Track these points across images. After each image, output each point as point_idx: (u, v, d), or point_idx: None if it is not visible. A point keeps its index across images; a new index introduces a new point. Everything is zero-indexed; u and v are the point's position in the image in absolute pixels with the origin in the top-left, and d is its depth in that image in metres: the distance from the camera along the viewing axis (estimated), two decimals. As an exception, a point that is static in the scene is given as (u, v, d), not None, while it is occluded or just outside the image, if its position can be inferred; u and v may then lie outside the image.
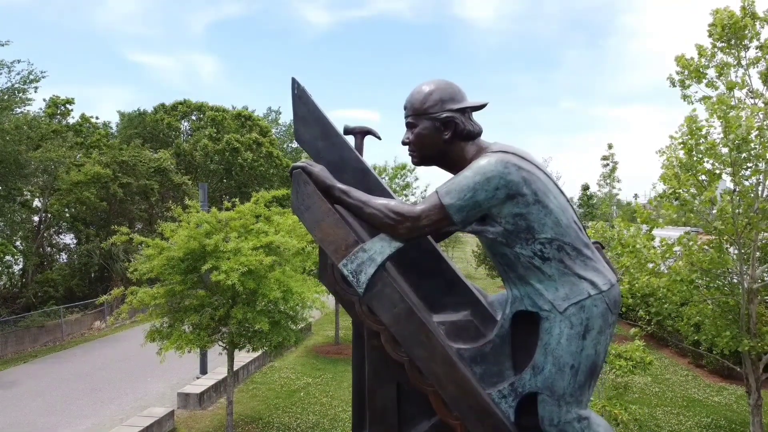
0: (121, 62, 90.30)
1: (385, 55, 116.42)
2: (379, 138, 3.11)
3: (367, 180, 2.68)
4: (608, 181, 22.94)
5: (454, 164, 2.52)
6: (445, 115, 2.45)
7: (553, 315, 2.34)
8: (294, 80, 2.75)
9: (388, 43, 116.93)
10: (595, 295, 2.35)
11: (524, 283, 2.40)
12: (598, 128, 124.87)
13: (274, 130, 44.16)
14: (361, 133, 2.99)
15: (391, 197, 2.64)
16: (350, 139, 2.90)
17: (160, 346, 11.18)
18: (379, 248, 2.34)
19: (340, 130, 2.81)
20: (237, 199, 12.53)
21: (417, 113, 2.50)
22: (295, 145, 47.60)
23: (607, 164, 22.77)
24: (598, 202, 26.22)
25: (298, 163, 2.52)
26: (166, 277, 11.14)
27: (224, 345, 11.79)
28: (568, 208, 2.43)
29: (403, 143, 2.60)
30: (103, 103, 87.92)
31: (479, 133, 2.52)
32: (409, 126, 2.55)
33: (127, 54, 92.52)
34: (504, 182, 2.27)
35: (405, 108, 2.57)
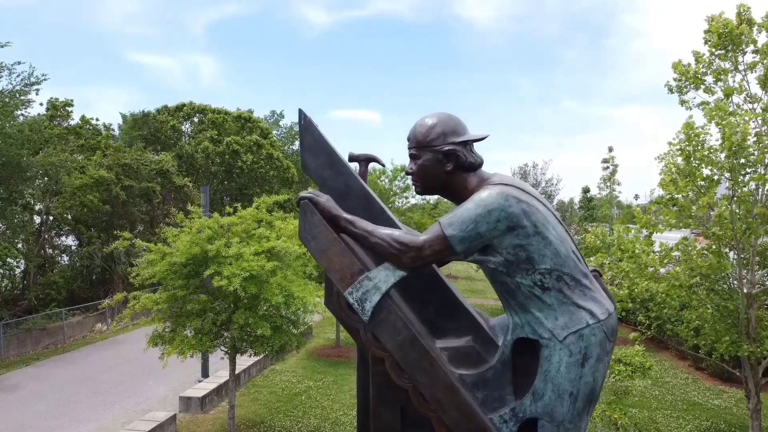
0: (120, 62, 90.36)
1: (385, 55, 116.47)
2: (383, 165, 3.19)
3: (371, 207, 2.75)
4: (608, 184, 23.07)
5: (456, 195, 2.61)
6: (447, 148, 2.53)
7: (553, 343, 2.42)
8: (301, 111, 2.82)
9: (388, 43, 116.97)
10: (594, 324, 2.43)
11: (525, 312, 2.48)
12: (599, 128, 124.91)
13: (275, 132, 44.23)
14: (365, 161, 3.06)
15: (395, 224, 2.72)
16: (355, 165, 2.98)
17: (162, 351, 11.27)
18: (384, 277, 2.41)
19: (345, 158, 2.88)
20: (239, 205, 12.59)
21: (420, 145, 2.58)
22: (295, 147, 47.69)
23: (608, 167, 22.89)
24: (599, 203, 26.31)
25: (305, 194, 2.59)
26: (169, 282, 11.22)
27: (226, 350, 11.87)
28: (567, 238, 2.51)
29: (407, 173, 2.69)
30: (103, 104, 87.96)
31: (480, 164, 2.61)
32: (413, 157, 2.63)
33: (126, 54, 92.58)
34: (505, 214, 2.34)
35: (408, 140, 2.65)
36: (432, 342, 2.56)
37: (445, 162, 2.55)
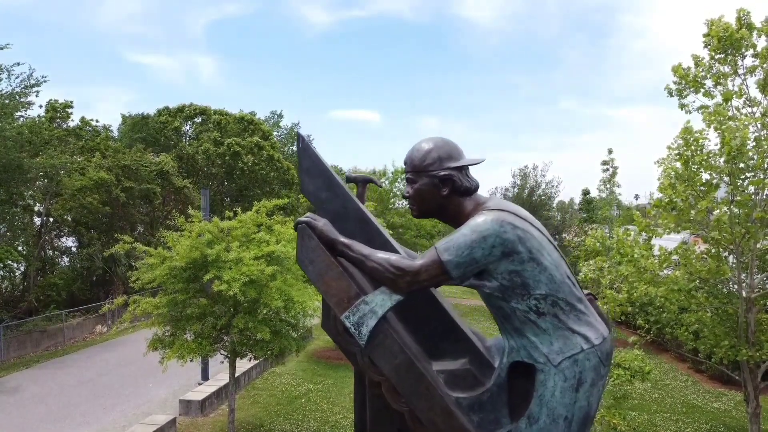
0: (120, 62, 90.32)
1: (386, 55, 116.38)
2: (380, 186, 3.22)
3: (368, 229, 2.77)
4: (608, 186, 23.07)
5: (452, 218, 2.63)
6: (443, 173, 2.56)
7: (548, 368, 2.44)
8: (299, 135, 2.84)
9: (388, 43, 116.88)
10: (588, 350, 2.45)
11: (520, 336, 2.49)
12: (599, 128, 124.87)
13: (275, 133, 44.28)
14: (362, 182, 3.08)
15: (392, 246, 2.74)
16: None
17: (162, 355, 11.29)
18: (380, 301, 2.43)
19: (342, 181, 2.90)
20: (239, 208, 12.60)
21: (416, 170, 2.61)
22: (295, 148, 47.72)
23: (607, 169, 22.87)
24: (599, 204, 26.35)
25: (303, 218, 2.61)
26: (169, 286, 11.25)
27: (226, 354, 11.89)
28: (562, 263, 2.53)
29: (404, 197, 2.72)
30: (103, 104, 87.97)
31: (476, 188, 2.63)
32: (409, 181, 2.66)
33: (126, 54, 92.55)
34: (500, 240, 2.36)
35: (405, 164, 2.68)
36: (428, 365, 2.58)
37: (441, 186, 2.58)
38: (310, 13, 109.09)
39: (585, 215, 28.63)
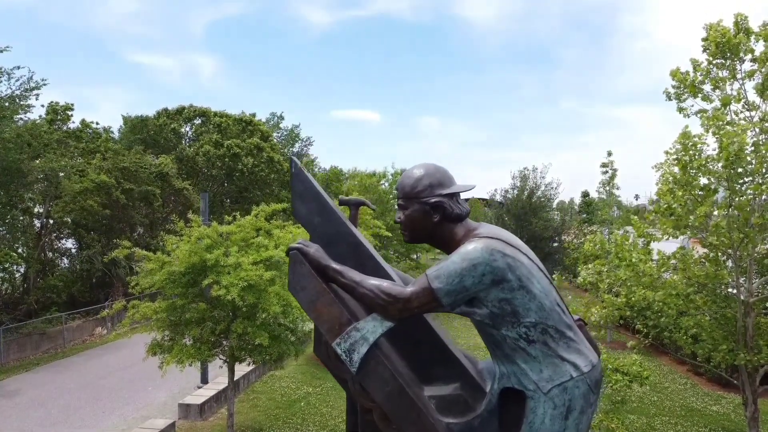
0: (120, 62, 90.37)
1: (386, 55, 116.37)
2: (374, 209, 3.22)
3: (360, 253, 2.78)
4: (607, 188, 23.13)
5: (443, 244, 2.65)
6: (434, 199, 2.57)
7: (538, 395, 2.45)
8: (292, 160, 2.86)
9: (388, 43, 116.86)
10: (577, 377, 2.47)
11: (510, 362, 2.51)
12: (599, 128, 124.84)
13: (275, 135, 44.28)
14: (355, 205, 3.09)
15: (384, 271, 2.75)
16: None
17: (162, 360, 11.32)
18: (372, 327, 2.44)
19: (335, 204, 2.91)
20: (238, 213, 12.62)
21: (407, 197, 2.63)
22: (295, 149, 47.73)
23: (607, 171, 22.92)
24: (598, 205, 26.38)
25: (295, 245, 2.62)
26: (168, 291, 11.27)
27: (225, 358, 11.91)
28: (551, 290, 2.54)
29: (395, 222, 2.73)
30: (102, 104, 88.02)
31: (467, 214, 2.65)
32: (401, 207, 2.67)
33: (126, 54, 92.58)
34: (490, 269, 2.38)
35: (397, 190, 2.70)
36: (420, 390, 2.59)
37: (432, 213, 2.59)
38: (311, 13, 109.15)
39: (585, 216, 28.72)
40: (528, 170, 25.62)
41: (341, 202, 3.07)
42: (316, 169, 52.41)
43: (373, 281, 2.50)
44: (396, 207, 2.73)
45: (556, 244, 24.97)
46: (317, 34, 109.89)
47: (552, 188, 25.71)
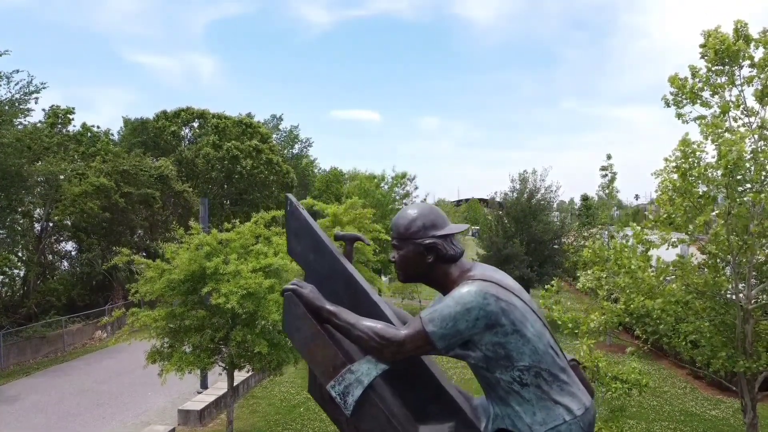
0: (119, 62, 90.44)
1: (386, 55, 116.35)
2: (369, 244, 3.23)
3: (355, 292, 2.79)
4: (607, 192, 23.17)
5: (437, 284, 2.66)
6: (428, 241, 2.58)
7: None
8: (288, 197, 2.87)
9: (388, 43, 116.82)
10: (570, 421, 2.48)
11: (505, 405, 2.52)
12: (599, 128, 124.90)
13: (274, 136, 44.27)
14: (350, 240, 3.10)
15: (379, 310, 2.75)
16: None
17: (161, 367, 11.34)
18: (366, 370, 2.45)
19: (330, 241, 2.91)
20: (238, 220, 12.62)
21: (402, 237, 2.64)
22: (295, 151, 47.71)
23: (606, 174, 22.94)
24: (597, 204, 26.36)
25: (289, 286, 2.63)
26: (167, 299, 11.29)
27: (224, 366, 11.93)
28: (545, 333, 2.56)
29: (390, 262, 2.74)
30: (102, 104, 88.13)
31: (461, 254, 2.66)
32: (395, 247, 2.68)
33: (125, 54, 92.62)
34: (483, 313, 2.39)
35: (391, 230, 2.70)
36: (415, 430, 2.60)
37: (426, 254, 2.60)
38: (311, 12, 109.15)
39: (585, 220, 28.74)
40: (527, 173, 25.68)
41: (336, 238, 3.08)
42: (316, 170, 52.42)
43: (368, 323, 2.50)
44: (391, 246, 2.74)
45: (556, 247, 24.96)
46: (317, 34, 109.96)
47: (552, 191, 25.75)
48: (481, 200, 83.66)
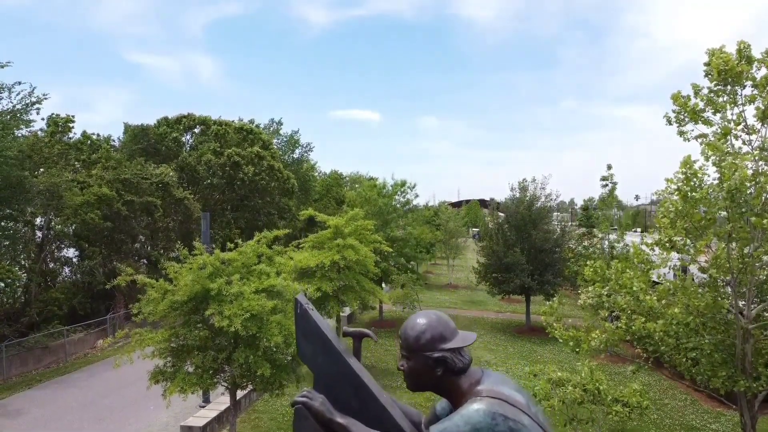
0: (119, 63, 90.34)
1: (385, 55, 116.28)
2: (376, 340, 3.26)
3: (363, 395, 2.81)
4: (607, 202, 23.23)
5: (447, 395, 2.70)
6: (437, 354, 2.61)
7: None
8: (296, 300, 2.88)
9: (388, 43, 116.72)
10: None
11: None
12: (599, 128, 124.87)
13: (275, 141, 44.27)
14: (358, 337, 3.14)
15: (387, 414, 2.77)
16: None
17: (164, 388, 11.39)
18: None
19: (339, 342, 2.93)
20: (240, 240, 12.63)
21: (410, 349, 2.67)
22: (295, 155, 47.68)
23: (606, 185, 22.97)
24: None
25: (299, 398, 2.65)
26: (170, 320, 11.34)
27: (227, 385, 11.97)
28: None
29: (398, 369, 2.77)
30: (102, 104, 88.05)
31: (469, 365, 2.69)
32: (404, 357, 2.71)
33: (125, 54, 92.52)
34: None
35: (400, 338, 2.73)
36: None
37: (434, 367, 2.63)
38: (310, 12, 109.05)
39: (585, 229, 28.80)
40: (527, 181, 25.70)
41: (344, 334, 3.12)
42: (316, 174, 52.41)
43: None
44: (400, 354, 2.76)
45: (556, 255, 25.00)
46: (317, 34, 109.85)
47: (551, 200, 25.78)
48: (481, 201, 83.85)
